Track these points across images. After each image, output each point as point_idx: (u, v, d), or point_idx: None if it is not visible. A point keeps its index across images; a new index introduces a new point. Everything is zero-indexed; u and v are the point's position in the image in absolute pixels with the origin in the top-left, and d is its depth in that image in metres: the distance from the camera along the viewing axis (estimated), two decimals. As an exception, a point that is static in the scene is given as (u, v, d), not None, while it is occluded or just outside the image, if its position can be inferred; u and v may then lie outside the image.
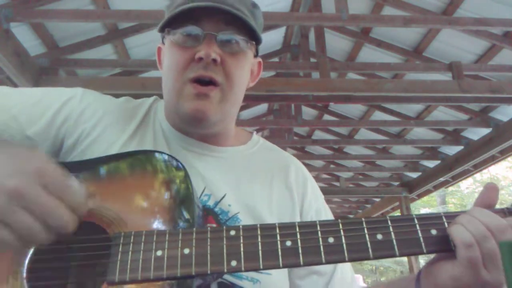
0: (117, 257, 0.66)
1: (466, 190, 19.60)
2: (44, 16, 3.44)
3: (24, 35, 3.76)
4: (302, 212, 0.93)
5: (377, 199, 9.97)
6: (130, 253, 0.67)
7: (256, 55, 0.96)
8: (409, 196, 8.45)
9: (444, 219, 0.69)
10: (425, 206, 18.89)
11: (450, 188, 14.46)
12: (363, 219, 0.69)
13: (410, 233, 0.67)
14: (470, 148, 6.04)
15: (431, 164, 7.44)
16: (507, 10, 3.94)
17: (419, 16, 4.08)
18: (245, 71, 0.91)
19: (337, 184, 8.82)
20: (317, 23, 4.27)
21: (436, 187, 8.04)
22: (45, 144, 0.85)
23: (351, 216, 11.94)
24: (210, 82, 0.84)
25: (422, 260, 9.46)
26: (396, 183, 8.68)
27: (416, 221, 0.68)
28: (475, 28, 3.98)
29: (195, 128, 0.90)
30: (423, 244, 0.67)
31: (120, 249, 0.67)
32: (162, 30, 0.89)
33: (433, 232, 0.68)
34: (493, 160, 6.15)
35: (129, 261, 0.66)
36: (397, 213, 10.14)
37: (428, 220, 0.69)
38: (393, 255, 0.67)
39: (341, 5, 3.61)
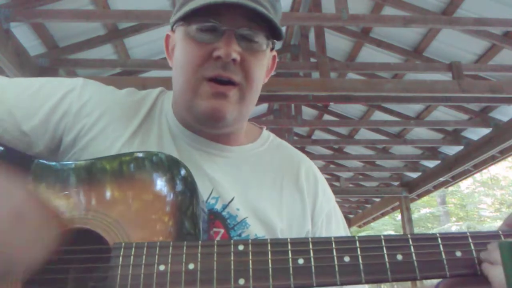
0: (117, 271, 0.62)
1: (466, 190, 19.58)
2: (44, 16, 3.44)
3: (24, 35, 3.75)
4: (313, 216, 0.90)
5: (377, 199, 9.96)
6: (131, 267, 0.63)
7: (272, 49, 0.89)
8: (409, 196, 8.44)
9: (470, 240, 0.64)
10: (425, 206, 18.88)
11: (450, 188, 14.44)
12: (382, 236, 0.64)
13: (433, 255, 0.62)
14: (470, 148, 6.04)
15: (431, 164, 7.44)
16: (507, 10, 3.93)
17: (419, 16, 4.08)
18: (263, 69, 0.85)
19: (337, 184, 8.82)
20: (317, 23, 4.27)
21: (436, 187, 8.03)
22: (43, 139, 0.81)
23: (351, 216, 11.93)
24: (228, 82, 0.79)
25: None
26: (396, 183, 8.67)
27: (439, 240, 0.63)
28: (475, 28, 3.98)
29: (209, 128, 0.85)
30: (446, 267, 0.62)
31: (120, 262, 0.63)
32: (176, 21, 0.83)
33: (458, 254, 0.63)
34: (493, 160, 6.15)
35: (129, 276, 0.62)
36: (397, 213, 10.13)
37: (452, 240, 0.64)
38: (414, 278, 0.62)
39: (341, 5, 3.61)
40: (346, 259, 0.62)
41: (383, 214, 10.70)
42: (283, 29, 5.69)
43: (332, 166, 8.68)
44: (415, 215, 16.30)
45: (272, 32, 0.81)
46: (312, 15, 4.24)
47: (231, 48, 0.76)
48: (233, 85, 0.79)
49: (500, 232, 0.64)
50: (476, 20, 3.81)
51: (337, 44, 5.47)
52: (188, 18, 0.79)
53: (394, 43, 5.08)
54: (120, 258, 0.63)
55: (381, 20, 4.01)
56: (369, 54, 5.41)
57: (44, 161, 0.77)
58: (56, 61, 4.11)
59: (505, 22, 3.73)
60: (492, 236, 0.64)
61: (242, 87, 0.80)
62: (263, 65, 0.84)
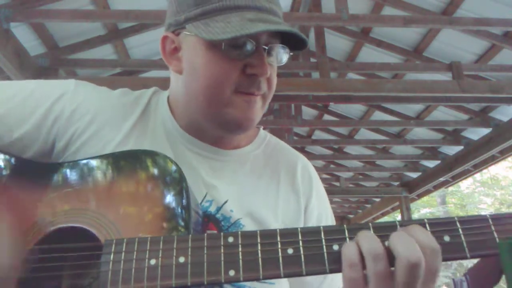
0: (109, 266, 0.63)
1: (466, 190, 19.58)
2: (44, 16, 3.44)
3: (24, 35, 3.75)
4: (305, 214, 0.91)
5: (377, 199, 9.97)
6: (122, 262, 0.63)
7: None
8: (409, 196, 8.44)
9: (458, 225, 0.64)
10: (425, 206, 18.88)
11: (450, 188, 14.43)
12: (370, 224, 0.64)
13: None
14: (470, 148, 6.04)
15: (431, 164, 7.44)
16: (507, 10, 3.93)
17: (419, 16, 4.08)
18: None
19: (337, 184, 8.82)
20: (317, 23, 4.27)
21: (436, 187, 8.03)
22: (35, 144, 0.81)
23: (351, 216, 11.93)
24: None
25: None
26: (396, 183, 8.67)
27: (427, 227, 0.63)
28: (475, 28, 3.98)
29: (231, 134, 0.87)
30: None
31: (112, 258, 0.64)
32: (186, 21, 0.81)
33: (447, 238, 0.63)
34: (493, 160, 6.15)
35: (121, 271, 0.63)
36: (397, 213, 10.12)
37: (439, 226, 0.64)
38: None
39: (341, 5, 3.61)
40: (335, 247, 0.63)
41: (383, 214, 10.69)
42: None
43: (332, 166, 8.68)
44: (415, 215, 16.28)
45: (290, 43, 0.84)
46: (312, 15, 4.24)
47: (266, 67, 0.79)
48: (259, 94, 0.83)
49: (488, 216, 0.65)
50: (476, 20, 3.81)
51: (337, 44, 5.47)
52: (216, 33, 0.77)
53: (394, 43, 5.08)
54: (112, 254, 0.64)
55: (381, 20, 4.01)
56: (369, 54, 5.41)
57: (38, 163, 0.78)
58: (56, 61, 4.11)
59: (505, 22, 3.73)
60: (480, 220, 0.64)
61: (265, 95, 0.85)
62: None
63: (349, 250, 0.60)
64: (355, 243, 0.61)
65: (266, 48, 0.80)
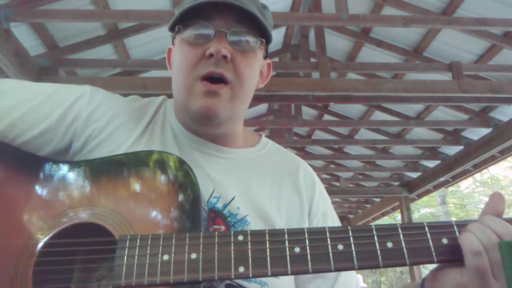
0: (123, 261, 0.66)
1: (466, 190, 19.58)
2: (44, 16, 3.44)
3: (24, 35, 3.76)
4: (310, 215, 0.93)
5: (377, 199, 9.97)
6: (136, 257, 0.66)
7: (265, 57, 0.96)
8: (409, 196, 8.45)
9: (455, 228, 0.67)
10: (425, 206, 18.88)
11: (450, 188, 14.44)
12: (373, 226, 0.68)
13: (421, 242, 0.66)
14: (470, 148, 6.04)
15: (431, 164, 7.44)
16: (507, 10, 3.94)
17: (419, 16, 4.08)
18: (255, 70, 0.91)
19: (337, 184, 8.82)
20: (317, 23, 4.27)
21: (436, 187, 8.03)
22: (51, 143, 0.84)
23: (351, 216, 11.93)
24: (220, 80, 0.83)
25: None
26: (396, 183, 8.68)
27: (426, 229, 0.67)
28: (475, 28, 3.98)
29: (205, 127, 0.89)
30: (433, 253, 0.65)
31: (126, 252, 0.67)
32: (172, 28, 0.88)
33: (444, 241, 0.66)
34: (493, 160, 6.15)
35: (135, 265, 0.66)
36: (397, 213, 10.13)
37: (439, 228, 0.67)
38: (403, 264, 0.65)
39: (341, 5, 3.62)
40: (340, 247, 0.66)
41: (383, 214, 10.70)
42: (283, 29, 5.74)
43: (332, 166, 8.69)
44: (415, 215, 16.31)
45: (261, 34, 0.87)
46: (312, 15, 4.24)
47: (221, 45, 0.82)
48: (224, 84, 0.84)
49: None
50: (476, 20, 3.81)
51: (337, 44, 5.48)
52: (183, 24, 0.86)
53: (394, 43, 5.09)
54: (126, 249, 0.67)
55: (381, 20, 4.01)
56: (369, 54, 5.41)
57: (53, 161, 0.80)
58: (56, 61, 4.11)
59: (505, 22, 3.73)
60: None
61: (233, 86, 0.85)
62: (254, 65, 0.89)
63: (469, 240, 0.63)
64: (471, 233, 0.64)
65: (227, 32, 0.83)
